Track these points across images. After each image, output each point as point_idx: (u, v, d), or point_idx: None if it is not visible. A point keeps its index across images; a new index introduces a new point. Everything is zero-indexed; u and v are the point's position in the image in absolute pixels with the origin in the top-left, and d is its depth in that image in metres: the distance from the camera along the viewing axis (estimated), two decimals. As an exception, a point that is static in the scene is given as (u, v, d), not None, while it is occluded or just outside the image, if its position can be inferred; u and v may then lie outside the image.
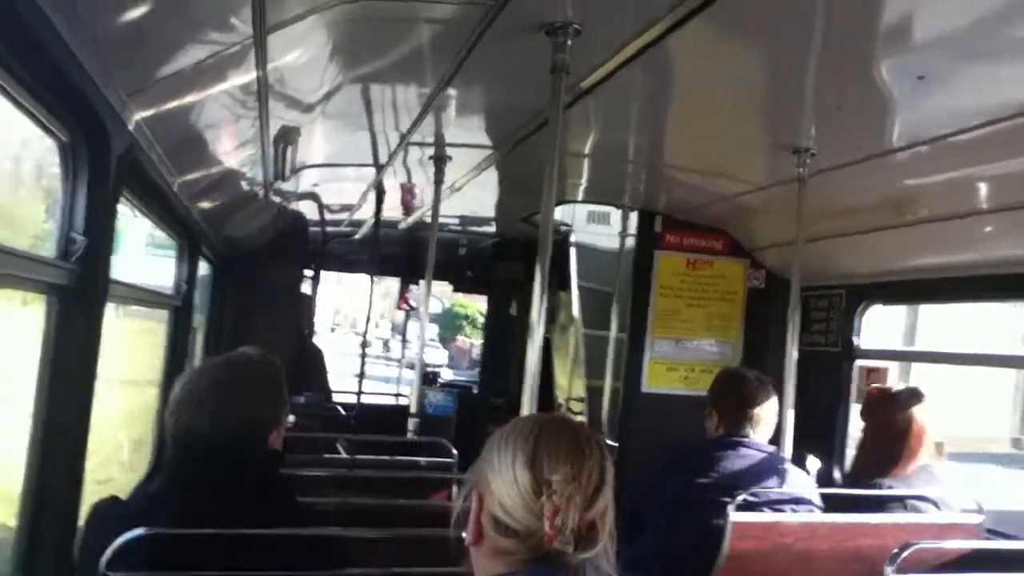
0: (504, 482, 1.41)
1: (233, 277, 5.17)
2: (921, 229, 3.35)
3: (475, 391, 8.25)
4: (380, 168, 3.77)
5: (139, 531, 1.74)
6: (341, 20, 2.01)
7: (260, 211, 4.34)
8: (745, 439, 3.34)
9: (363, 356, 5.70)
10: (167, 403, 2.00)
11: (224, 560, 1.78)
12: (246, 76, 2.11)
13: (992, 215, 3.09)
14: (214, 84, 2.15)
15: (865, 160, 2.99)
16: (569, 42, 2.10)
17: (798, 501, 3.20)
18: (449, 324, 34.13)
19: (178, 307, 3.76)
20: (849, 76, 2.32)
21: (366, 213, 5.30)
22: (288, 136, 2.86)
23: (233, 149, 2.88)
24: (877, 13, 1.92)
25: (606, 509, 1.41)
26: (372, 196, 4.65)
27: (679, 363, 4.58)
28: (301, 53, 2.17)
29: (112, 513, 1.88)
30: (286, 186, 3.93)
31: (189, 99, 2.14)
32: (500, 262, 6.92)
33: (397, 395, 8.50)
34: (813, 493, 3.28)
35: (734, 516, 2.79)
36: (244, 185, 3.62)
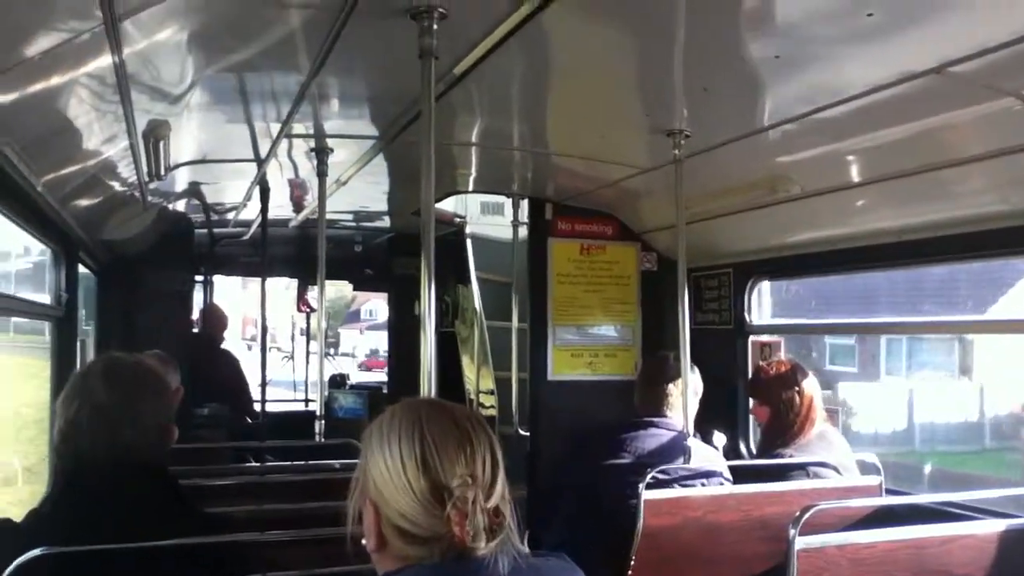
0: (398, 490, 1.36)
1: (118, 285, 4.99)
2: (796, 205, 3.48)
3: (385, 391, 8.18)
4: (261, 163, 3.68)
5: (36, 552, 1.69)
6: (198, 5, 1.96)
7: (140, 213, 4.19)
8: (656, 419, 3.42)
9: (263, 364, 5.59)
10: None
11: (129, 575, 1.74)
12: (102, 64, 2.03)
13: (859, 189, 3.24)
14: (68, 73, 2.06)
15: (736, 140, 3.09)
16: (435, 26, 2.09)
17: (708, 475, 3.30)
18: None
19: (60, 318, 3.60)
20: (712, 56, 2.39)
21: (253, 212, 5.18)
22: (158, 131, 2.77)
23: (100, 145, 2.77)
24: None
25: (505, 489, 1.40)
26: (257, 194, 4.55)
27: (582, 349, 4.63)
28: (159, 40, 2.10)
29: (6, 535, 1.82)
30: (164, 186, 3.80)
31: (41, 88, 2.04)
32: (397, 257, 6.85)
33: (307, 401, 8.38)
34: (722, 466, 3.37)
35: (646, 494, 2.86)
36: (118, 185, 3.49)
